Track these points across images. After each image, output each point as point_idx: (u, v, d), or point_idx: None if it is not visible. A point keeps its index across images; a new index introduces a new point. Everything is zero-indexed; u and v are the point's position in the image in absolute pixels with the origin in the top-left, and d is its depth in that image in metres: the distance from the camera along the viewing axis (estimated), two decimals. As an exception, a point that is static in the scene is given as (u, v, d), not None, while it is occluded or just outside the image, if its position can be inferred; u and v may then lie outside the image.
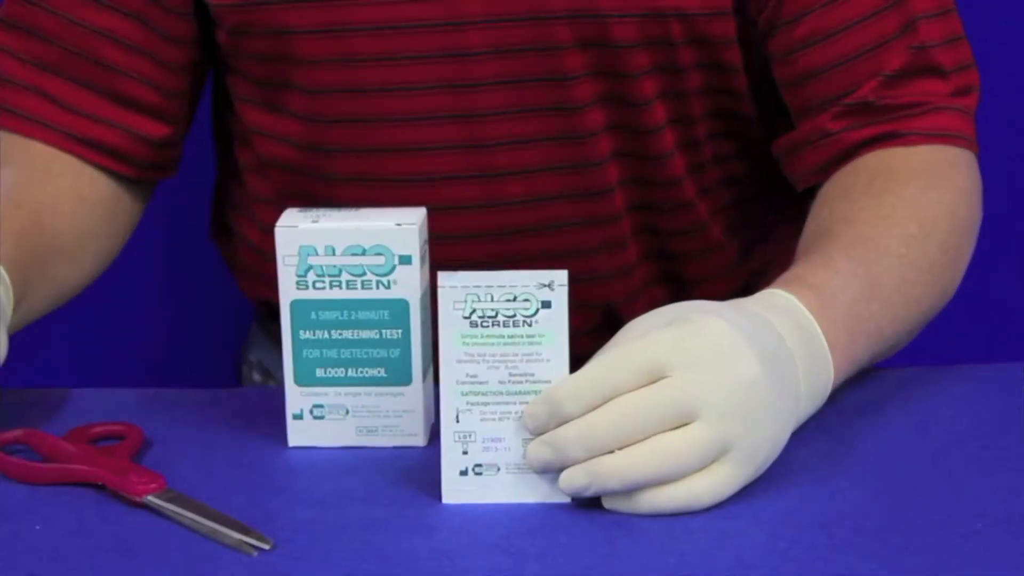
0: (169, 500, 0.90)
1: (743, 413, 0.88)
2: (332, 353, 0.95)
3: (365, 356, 0.95)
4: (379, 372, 0.96)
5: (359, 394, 0.96)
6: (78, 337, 1.94)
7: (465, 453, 0.89)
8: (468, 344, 0.88)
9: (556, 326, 0.88)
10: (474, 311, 0.87)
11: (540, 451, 0.88)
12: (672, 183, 1.19)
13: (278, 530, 0.88)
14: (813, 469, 0.94)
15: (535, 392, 0.88)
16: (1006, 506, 0.89)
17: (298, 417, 0.97)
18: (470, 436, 0.89)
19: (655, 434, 0.86)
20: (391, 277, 0.94)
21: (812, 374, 0.95)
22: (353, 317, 0.95)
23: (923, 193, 1.09)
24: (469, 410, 0.88)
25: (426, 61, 1.12)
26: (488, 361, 0.88)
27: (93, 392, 1.06)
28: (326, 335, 0.95)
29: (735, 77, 1.16)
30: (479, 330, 0.87)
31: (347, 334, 0.95)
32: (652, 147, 1.17)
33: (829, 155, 1.14)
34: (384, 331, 0.95)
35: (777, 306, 0.95)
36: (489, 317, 0.87)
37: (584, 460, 0.87)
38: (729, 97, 1.18)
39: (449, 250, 1.09)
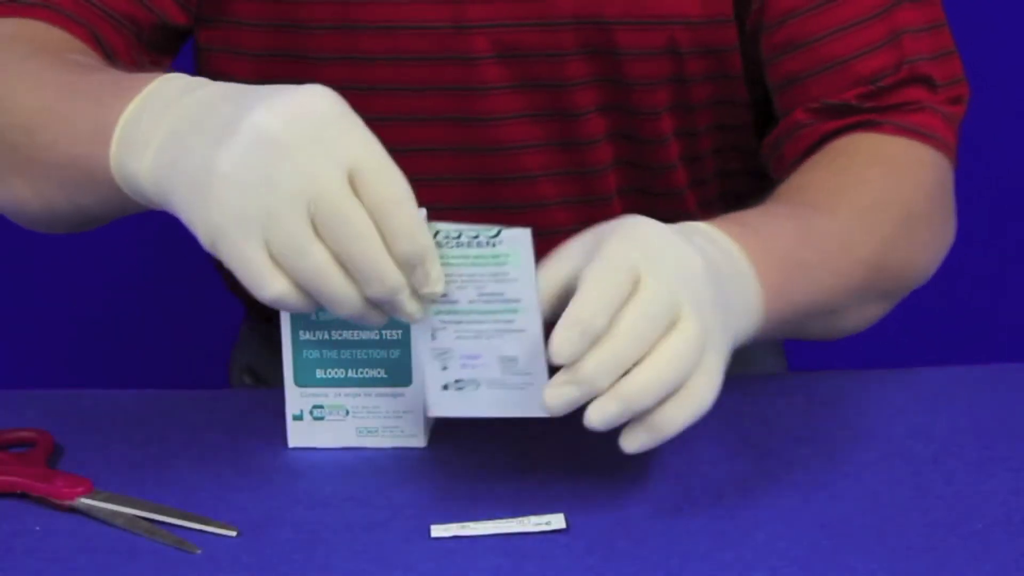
0: (102, 501, 0.90)
1: (707, 299, 0.87)
2: (332, 354, 0.95)
3: (365, 357, 0.95)
4: (379, 373, 0.96)
5: (359, 395, 0.96)
6: (62, 339, 1.94)
7: (445, 369, 0.88)
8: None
9: (520, 246, 0.86)
10: (438, 232, 0.86)
11: (565, 392, 0.84)
12: (672, 194, 1.19)
13: (278, 530, 0.88)
14: (813, 469, 0.94)
15: (508, 311, 0.87)
16: (1006, 506, 0.89)
17: (298, 418, 0.97)
18: (447, 353, 0.88)
19: (657, 339, 0.85)
20: (391, 278, 0.94)
21: (737, 287, 0.93)
22: (353, 318, 0.95)
23: (883, 177, 1.09)
24: (444, 328, 0.88)
25: (430, 63, 1.12)
26: (456, 281, 0.87)
27: (92, 393, 1.06)
28: (326, 336, 0.95)
29: (738, 86, 1.16)
30: (445, 251, 0.86)
31: (347, 335, 0.95)
32: (655, 158, 1.17)
33: (806, 145, 1.13)
34: (384, 332, 0.95)
35: (695, 228, 0.94)
36: (453, 238, 0.86)
37: (609, 387, 0.85)
38: (733, 108, 1.17)
39: None
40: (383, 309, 0.87)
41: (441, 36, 1.12)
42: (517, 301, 0.87)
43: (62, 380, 1.85)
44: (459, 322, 0.87)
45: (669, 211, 1.19)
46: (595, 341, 0.84)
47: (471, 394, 0.89)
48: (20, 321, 1.93)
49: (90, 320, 1.94)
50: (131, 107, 0.91)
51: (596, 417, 0.85)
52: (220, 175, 0.84)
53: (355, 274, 0.84)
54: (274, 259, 0.84)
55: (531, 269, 0.86)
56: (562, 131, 1.14)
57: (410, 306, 0.86)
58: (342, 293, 0.85)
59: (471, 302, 0.87)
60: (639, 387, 0.85)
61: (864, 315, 1.07)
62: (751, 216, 1.00)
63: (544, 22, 1.11)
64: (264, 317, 1.31)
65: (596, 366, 0.84)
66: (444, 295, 0.87)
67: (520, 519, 0.88)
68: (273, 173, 0.83)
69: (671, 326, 0.86)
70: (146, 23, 1.13)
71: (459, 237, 0.86)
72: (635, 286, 0.85)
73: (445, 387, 0.89)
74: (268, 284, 0.84)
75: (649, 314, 0.85)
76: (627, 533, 0.87)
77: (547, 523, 0.88)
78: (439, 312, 0.87)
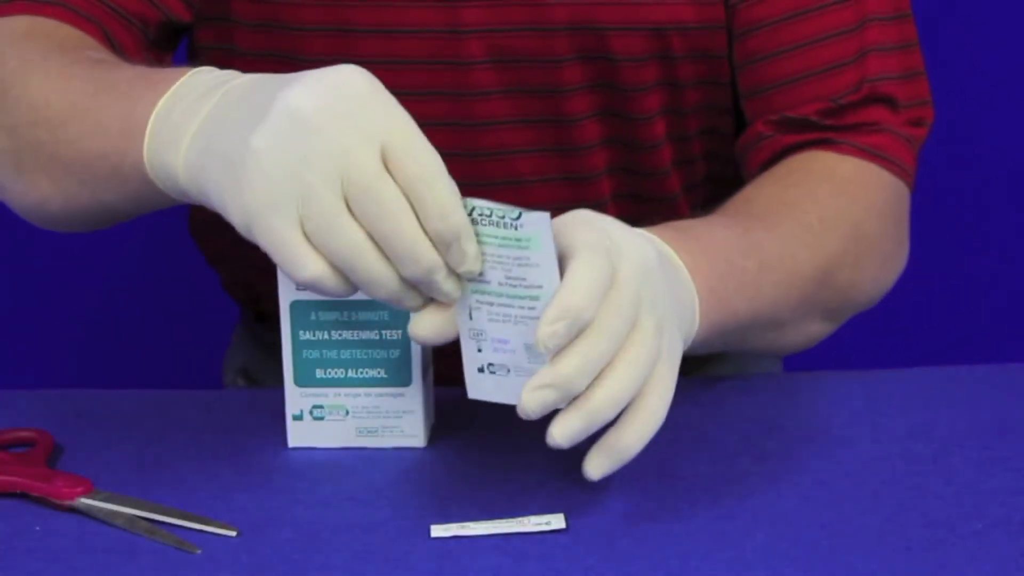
0: (102, 501, 0.90)
1: (661, 295, 0.87)
2: (332, 354, 0.95)
3: (365, 357, 0.95)
4: (379, 373, 0.96)
5: (359, 395, 0.96)
6: (62, 339, 1.94)
7: (480, 351, 0.87)
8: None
9: (540, 230, 0.84)
10: (474, 208, 0.84)
11: (542, 396, 0.83)
12: (666, 200, 1.19)
13: (278, 530, 0.88)
14: (813, 469, 0.94)
15: (530, 297, 0.85)
16: (1006, 506, 0.89)
17: (298, 418, 0.97)
18: (481, 334, 0.86)
19: (625, 339, 0.84)
20: (391, 277, 0.94)
21: (676, 289, 0.92)
22: (353, 318, 0.95)
23: (832, 197, 1.08)
24: (479, 308, 0.86)
25: (425, 67, 1.12)
26: (489, 260, 0.85)
27: (92, 393, 1.06)
28: (326, 336, 0.95)
29: (726, 92, 1.15)
30: (479, 228, 0.85)
31: (347, 335, 0.95)
32: (649, 163, 1.16)
33: (764, 157, 1.13)
34: (384, 332, 0.95)
35: (633, 231, 0.92)
36: (486, 215, 0.84)
37: (584, 389, 0.83)
38: (720, 114, 1.17)
39: None
40: (420, 290, 0.86)
41: (436, 40, 1.11)
42: (539, 287, 0.84)
43: (62, 380, 1.85)
44: (491, 304, 0.85)
45: (663, 216, 1.19)
46: (580, 332, 0.83)
47: (502, 379, 0.87)
48: (20, 321, 1.93)
49: (89, 321, 1.94)
50: (163, 101, 0.91)
51: (560, 434, 0.84)
52: (254, 156, 0.83)
53: (390, 253, 0.83)
54: (309, 240, 0.83)
55: (552, 256, 0.84)
56: (557, 137, 1.14)
57: (447, 285, 0.84)
58: (378, 273, 0.83)
59: (500, 284, 0.85)
60: (602, 401, 0.84)
61: (807, 332, 1.07)
62: (689, 223, 0.99)
63: (539, 27, 1.11)
64: (258, 318, 1.31)
65: (577, 368, 0.83)
66: (480, 274, 0.85)
67: (520, 519, 0.88)
68: (306, 152, 0.82)
69: (633, 324, 0.85)
70: (153, 21, 1.13)
71: (491, 215, 0.84)
72: (613, 278, 0.85)
73: (480, 369, 0.87)
74: (304, 265, 0.83)
75: (623, 311, 0.84)
76: (627, 533, 0.87)
77: (547, 523, 0.88)
78: (474, 291, 0.86)
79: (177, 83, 0.91)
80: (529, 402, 0.83)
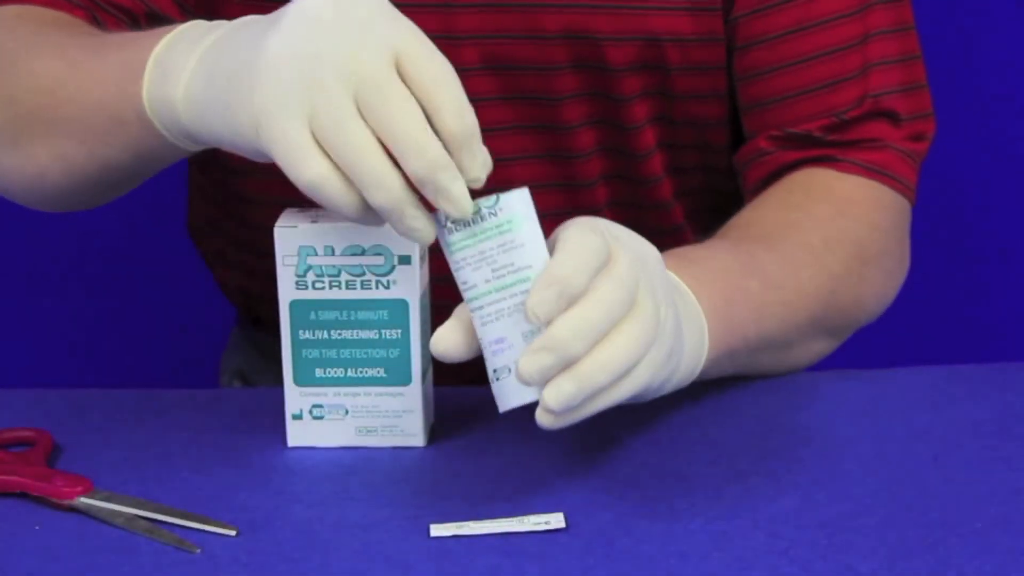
0: (101, 500, 0.90)
1: (659, 287, 0.87)
2: (331, 353, 0.95)
3: (364, 356, 0.95)
4: (378, 372, 0.96)
5: (358, 394, 0.96)
6: (62, 339, 1.94)
7: (487, 360, 0.86)
8: (452, 252, 0.86)
9: (519, 206, 0.85)
10: (447, 216, 0.85)
11: (538, 359, 0.82)
12: (660, 207, 1.18)
13: (278, 530, 0.88)
14: (813, 469, 0.94)
15: (520, 281, 0.85)
16: (1006, 506, 0.89)
17: (297, 417, 0.97)
18: (482, 342, 0.86)
19: (626, 311, 0.84)
20: (390, 277, 0.94)
21: (683, 316, 0.92)
22: (352, 317, 0.95)
23: (833, 218, 1.08)
24: (471, 316, 0.86)
25: None
26: (471, 264, 0.86)
27: (92, 393, 1.06)
28: (325, 335, 0.95)
29: (721, 105, 1.15)
30: (454, 236, 0.86)
31: (346, 334, 0.95)
32: (641, 170, 1.16)
33: (765, 173, 1.13)
34: (383, 331, 0.95)
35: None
36: (460, 221, 0.85)
37: (584, 354, 0.83)
38: (714, 127, 1.17)
39: (430, 262, 1.09)
40: (422, 208, 0.85)
41: None
42: (528, 268, 0.85)
43: (62, 380, 1.85)
44: (480, 307, 0.86)
45: (658, 223, 1.19)
46: (572, 302, 0.83)
47: (506, 384, 0.85)
48: (20, 321, 1.93)
49: (88, 321, 1.93)
50: (162, 44, 0.92)
51: (551, 396, 0.83)
52: (267, 56, 0.84)
53: (396, 150, 0.83)
54: (316, 141, 0.83)
55: (536, 231, 0.85)
56: (552, 144, 1.14)
57: (454, 186, 0.84)
58: (381, 172, 0.83)
59: (487, 282, 0.85)
60: (594, 364, 0.83)
61: (811, 351, 1.07)
62: (690, 249, 0.99)
63: (534, 35, 1.11)
64: (254, 322, 1.31)
65: (572, 331, 0.82)
66: (464, 281, 0.86)
67: (520, 518, 0.88)
68: (319, 51, 0.83)
69: (632, 304, 0.84)
70: (142, 16, 1.13)
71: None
72: (609, 257, 0.84)
73: (491, 380, 0.86)
74: (308, 164, 0.83)
75: (621, 283, 0.84)
76: (627, 533, 0.87)
77: (547, 523, 0.88)
78: (468, 300, 0.86)
79: (178, 28, 0.92)
80: (526, 365, 0.83)
